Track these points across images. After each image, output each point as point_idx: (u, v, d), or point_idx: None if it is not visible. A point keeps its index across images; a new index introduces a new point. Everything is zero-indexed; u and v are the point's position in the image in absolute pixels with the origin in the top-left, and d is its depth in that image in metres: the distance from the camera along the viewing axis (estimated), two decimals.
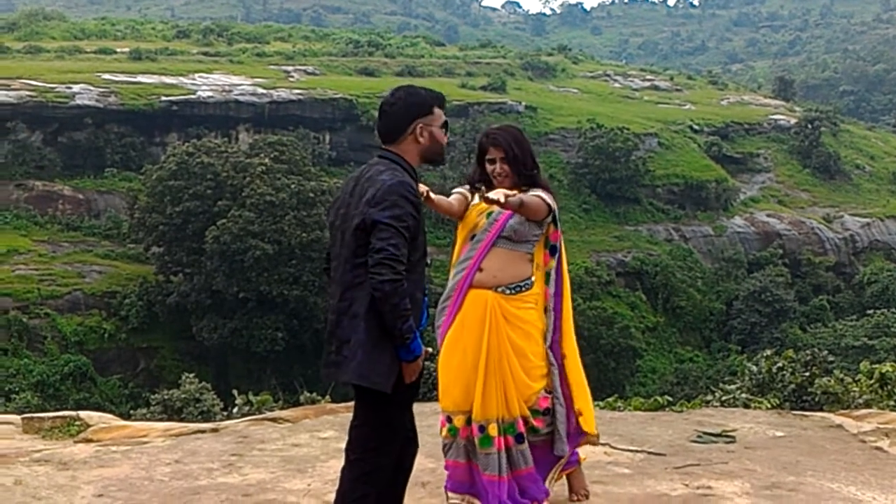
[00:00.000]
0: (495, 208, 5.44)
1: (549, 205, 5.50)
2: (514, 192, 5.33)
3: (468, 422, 5.43)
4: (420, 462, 5.03)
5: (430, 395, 5.78)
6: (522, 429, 5.42)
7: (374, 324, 4.60)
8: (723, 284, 61.70)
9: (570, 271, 5.82)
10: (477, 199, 5.61)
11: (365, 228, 4.60)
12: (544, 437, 5.50)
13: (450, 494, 5.53)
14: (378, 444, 4.72)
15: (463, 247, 5.59)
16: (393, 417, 4.75)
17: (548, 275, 5.62)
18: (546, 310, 5.60)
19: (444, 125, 4.95)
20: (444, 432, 5.52)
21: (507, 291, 5.45)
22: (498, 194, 5.15)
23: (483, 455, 5.38)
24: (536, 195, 5.47)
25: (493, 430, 5.37)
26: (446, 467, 5.57)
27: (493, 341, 5.40)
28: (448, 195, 5.68)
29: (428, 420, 5.48)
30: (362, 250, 4.61)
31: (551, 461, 5.56)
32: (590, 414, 5.70)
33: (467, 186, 5.73)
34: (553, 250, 5.62)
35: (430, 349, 4.82)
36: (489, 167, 5.62)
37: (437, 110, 4.91)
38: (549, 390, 5.52)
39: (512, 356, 5.41)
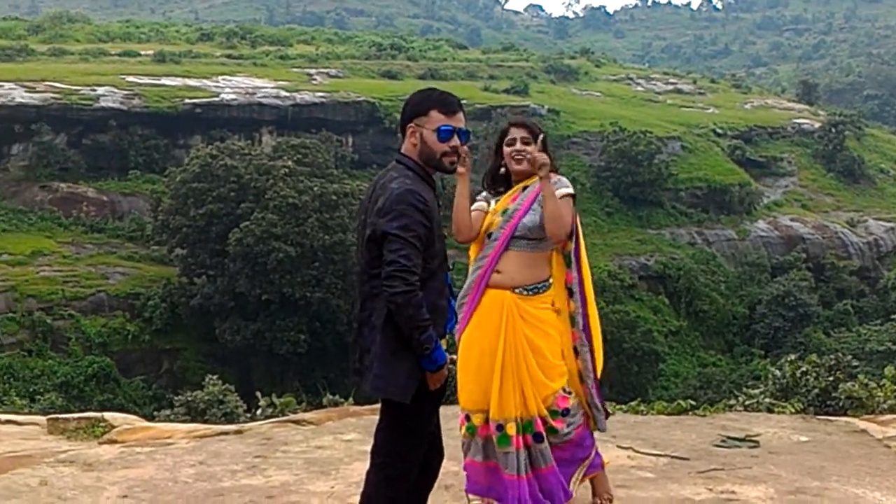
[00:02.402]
0: (511, 206, 5.47)
1: (573, 196, 5.54)
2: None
3: (487, 420, 5.41)
4: (444, 465, 5.03)
5: (452, 397, 5.77)
6: (541, 429, 5.38)
7: (391, 335, 4.58)
8: (746, 288, 61.40)
9: (592, 274, 5.79)
10: (493, 203, 5.59)
11: (376, 240, 4.57)
12: (565, 439, 5.46)
13: (470, 497, 5.51)
14: (402, 448, 4.71)
15: (480, 245, 5.57)
16: (416, 424, 4.72)
17: (567, 257, 5.59)
18: (572, 293, 5.58)
19: (449, 131, 4.74)
20: (463, 431, 5.51)
21: (525, 292, 5.44)
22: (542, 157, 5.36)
23: (502, 454, 5.36)
24: (564, 194, 5.46)
25: (511, 429, 5.34)
26: (465, 468, 5.55)
27: (510, 340, 5.37)
28: (474, 198, 5.63)
29: (450, 423, 5.48)
30: (376, 261, 4.59)
31: (574, 463, 5.53)
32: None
33: (485, 196, 5.70)
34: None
35: (454, 356, 4.80)
36: (507, 149, 5.57)
37: (434, 113, 4.74)
38: (569, 390, 5.51)
39: (529, 354, 5.38)
